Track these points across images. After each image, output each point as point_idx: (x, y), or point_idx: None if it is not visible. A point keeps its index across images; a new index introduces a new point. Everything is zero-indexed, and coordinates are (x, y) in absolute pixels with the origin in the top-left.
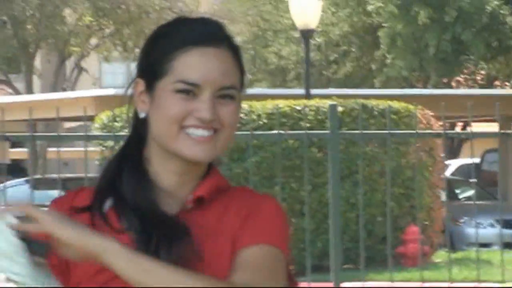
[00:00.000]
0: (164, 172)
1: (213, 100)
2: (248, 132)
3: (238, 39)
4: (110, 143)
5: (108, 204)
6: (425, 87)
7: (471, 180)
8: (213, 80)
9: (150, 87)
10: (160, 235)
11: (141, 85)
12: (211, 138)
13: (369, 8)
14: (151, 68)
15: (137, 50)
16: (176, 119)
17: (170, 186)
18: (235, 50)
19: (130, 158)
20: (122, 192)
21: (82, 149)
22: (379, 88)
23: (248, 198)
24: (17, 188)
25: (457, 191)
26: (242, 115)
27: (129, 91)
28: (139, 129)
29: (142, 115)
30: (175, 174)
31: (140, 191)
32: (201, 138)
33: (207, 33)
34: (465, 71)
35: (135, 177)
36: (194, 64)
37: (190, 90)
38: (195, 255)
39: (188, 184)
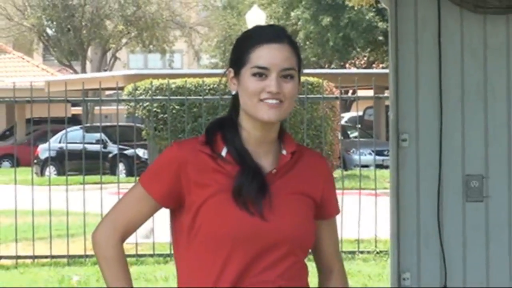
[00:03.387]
0: (251, 130)
1: (278, 79)
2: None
3: (214, 40)
4: (132, 104)
5: (224, 151)
6: (329, 67)
7: (357, 126)
8: (276, 64)
9: (237, 73)
10: (253, 176)
11: (232, 72)
12: (278, 105)
13: (292, 14)
14: (237, 60)
15: (151, 47)
16: (254, 93)
17: (256, 139)
18: (293, 45)
19: (229, 123)
20: (231, 144)
21: (115, 107)
22: None
23: (319, 163)
24: (75, 132)
25: (348, 132)
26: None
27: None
28: (234, 102)
29: (233, 92)
30: (259, 130)
31: (239, 143)
32: (272, 104)
33: (272, 35)
34: (353, 58)
35: (235, 134)
36: (264, 55)
37: (262, 73)
38: (268, 198)
39: (269, 139)
